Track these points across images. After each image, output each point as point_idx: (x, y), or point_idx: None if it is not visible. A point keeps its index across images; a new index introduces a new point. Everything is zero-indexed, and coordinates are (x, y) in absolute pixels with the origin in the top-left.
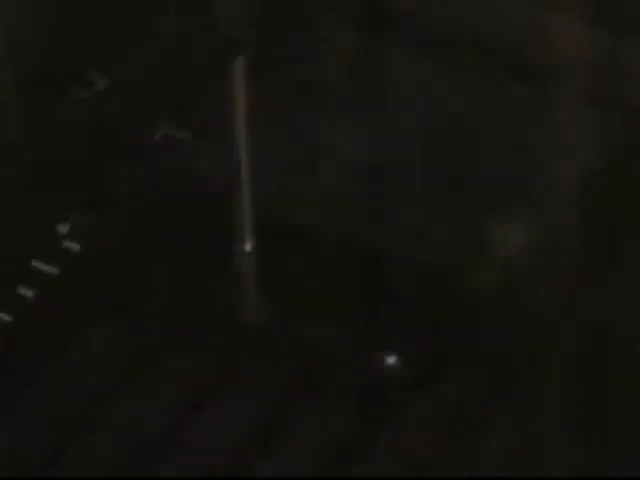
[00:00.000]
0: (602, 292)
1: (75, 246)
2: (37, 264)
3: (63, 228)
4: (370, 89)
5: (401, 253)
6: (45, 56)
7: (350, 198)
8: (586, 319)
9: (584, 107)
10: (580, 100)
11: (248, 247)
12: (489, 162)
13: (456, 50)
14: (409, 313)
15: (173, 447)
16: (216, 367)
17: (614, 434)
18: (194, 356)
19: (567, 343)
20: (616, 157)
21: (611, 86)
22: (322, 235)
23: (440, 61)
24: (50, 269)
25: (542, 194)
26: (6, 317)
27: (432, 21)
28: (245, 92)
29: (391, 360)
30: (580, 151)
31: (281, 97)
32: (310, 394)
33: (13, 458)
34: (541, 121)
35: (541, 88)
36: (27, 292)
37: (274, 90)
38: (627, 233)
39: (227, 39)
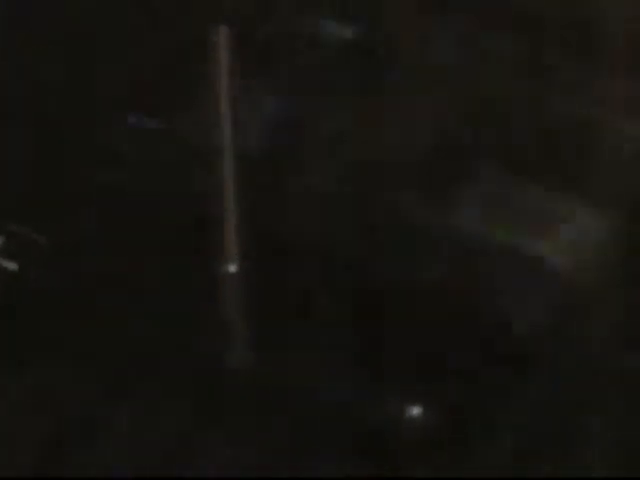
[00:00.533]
0: None
1: (11, 264)
2: None
3: None
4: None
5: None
6: None
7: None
8: None
9: None
10: None
11: (233, 268)
12: None
13: None
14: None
15: None
16: (186, 418)
17: None
18: (163, 401)
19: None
20: None
21: None
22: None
23: None
24: None
25: None
26: None
27: None
28: (228, 70)
29: (413, 412)
30: None
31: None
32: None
33: None
34: None
35: None
36: None
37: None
38: None
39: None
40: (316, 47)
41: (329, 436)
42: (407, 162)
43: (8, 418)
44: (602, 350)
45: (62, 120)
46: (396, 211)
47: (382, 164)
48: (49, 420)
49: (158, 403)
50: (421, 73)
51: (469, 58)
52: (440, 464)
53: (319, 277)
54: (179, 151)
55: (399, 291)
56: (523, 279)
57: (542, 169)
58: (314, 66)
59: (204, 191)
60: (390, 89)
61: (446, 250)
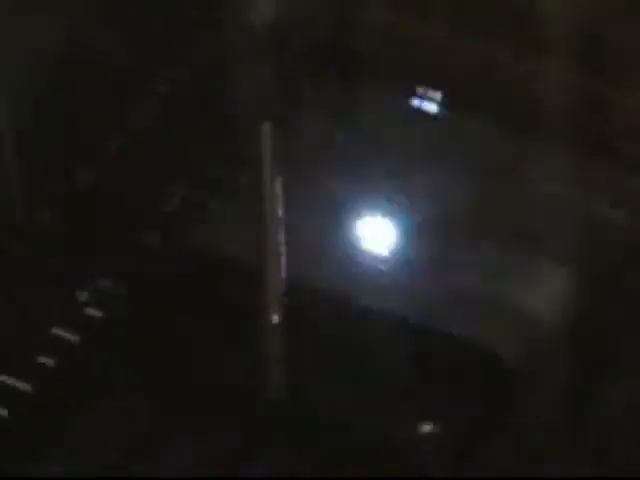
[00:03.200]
0: None
1: (96, 313)
2: (58, 331)
3: (82, 296)
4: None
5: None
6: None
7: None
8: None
9: None
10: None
11: (275, 319)
12: None
13: None
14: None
15: None
16: (233, 442)
17: None
18: (212, 434)
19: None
20: None
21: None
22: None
23: None
24: (71, 336)
25: None
26: (26, 387)
27: None
28: (272, 157)
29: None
30: None
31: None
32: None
33: None
34: None
35: None
36: (47, 360)
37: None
38: None
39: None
40: None
41: None
42: None
43: None
44: None
45: None
46: None
47: None
48: None
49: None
50: None
51: None
52: None
53: None
54: None
55: None
56: None
57: None
58: None
59: None
60: None
61: None
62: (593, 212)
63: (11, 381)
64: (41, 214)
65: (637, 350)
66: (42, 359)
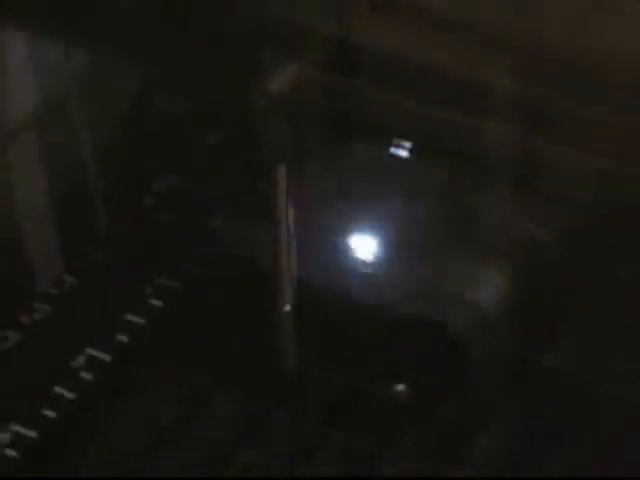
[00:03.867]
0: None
1: (157, 303)
2: (129, 316)
3: (147, 290)
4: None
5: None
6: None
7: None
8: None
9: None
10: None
11: (287, 308)
12: None
13: None
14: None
15: None
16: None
17: None
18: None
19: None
20: None
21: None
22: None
23: None
24: (139, 320)
25: None
26: (106, 357)
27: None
28: (285, 192)
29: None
30: None
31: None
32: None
33: None
34: None
35: None
36: (122, 337)
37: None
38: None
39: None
40: None
41: None
42: None
43: None
44: None
45: None
46: None
47: None
48: None
49: None
50: None
51: None
52: None
53: None
54: None
55: None
56: None
57: None
58: None
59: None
60: None
61: None
62: (523, 231)
63: (95, 353)
64: (117, 231)
65: (572, 327)
66: (119, 337)
